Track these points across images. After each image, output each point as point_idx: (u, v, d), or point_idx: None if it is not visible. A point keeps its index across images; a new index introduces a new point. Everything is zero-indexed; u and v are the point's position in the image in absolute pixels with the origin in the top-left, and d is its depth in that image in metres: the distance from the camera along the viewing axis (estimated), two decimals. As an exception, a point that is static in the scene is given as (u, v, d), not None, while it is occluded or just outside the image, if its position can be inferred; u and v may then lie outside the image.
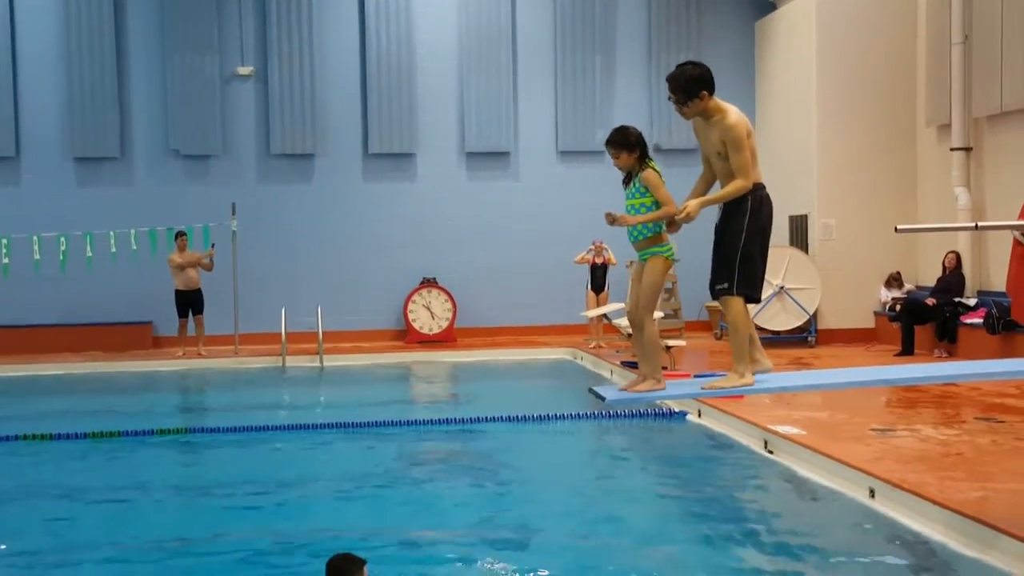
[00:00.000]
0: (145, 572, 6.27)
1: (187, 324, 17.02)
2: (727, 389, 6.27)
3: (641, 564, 6.15)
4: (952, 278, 14.76)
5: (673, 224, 6.28)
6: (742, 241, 6.02)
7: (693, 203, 6.06)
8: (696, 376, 8.96)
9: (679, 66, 6.06)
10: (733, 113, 5.99)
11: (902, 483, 7.07)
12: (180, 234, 16.92)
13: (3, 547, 6.77)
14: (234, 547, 6.66)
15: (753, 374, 6.13)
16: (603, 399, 6.22)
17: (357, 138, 18.98)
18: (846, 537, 6.75)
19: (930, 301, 14.52)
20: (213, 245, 16.91)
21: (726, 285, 6.09)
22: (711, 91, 5.97)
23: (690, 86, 5.94)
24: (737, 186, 5.98)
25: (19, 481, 8.88)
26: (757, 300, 6.31)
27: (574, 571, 5.99)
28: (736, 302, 6.07)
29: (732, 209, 6.08)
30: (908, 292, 16.03)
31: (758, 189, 6.06)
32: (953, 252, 14.88)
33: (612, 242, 16.67)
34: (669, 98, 6.11)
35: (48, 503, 8.09)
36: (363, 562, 4.96)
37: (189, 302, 16.95)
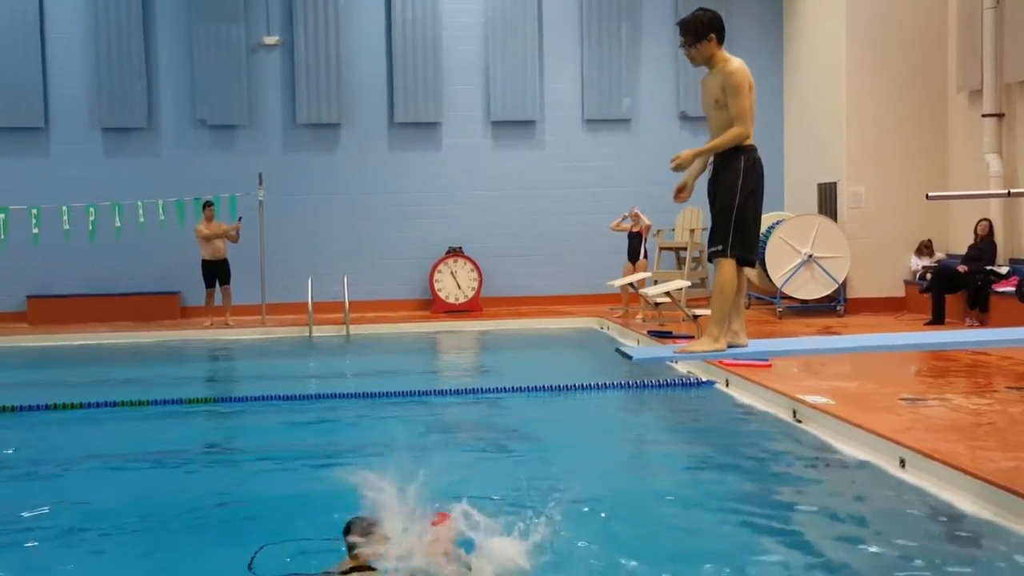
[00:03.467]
0: (177, 537, 6.32)
1: (214, 294, 17.10)
2: (699, 353, 6.32)
3: (669, 531, 6.15)
4: (984, 246, 14.60)
5: (684, 190, 6.32)
6: (736, 203, 6.03)
7: (687, 151, 6.14)
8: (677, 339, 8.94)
9: (692, 12, 6.16)
10: (736, 62, 6.06)
11: (933, 453, 7.02)
12: (207, 204, 16.95)
13: (37, 513, 6.85)
14: (263, 512, 6.71)
15: (728, 344, 6.16)
16: (630, 358, 6.23)
17: (383, 108, 18.93)
18: (876, 507, 6.72)
19: (961, 268, 14.38)
20: (240, 218, 16.94)
21: (720, 247, 6.11)
22: (720, 38, 6.06)
23: (700, 28, 6.05)
24: (734, 133, 5.99)
25: (50, 450, 8.97)
26: (752, 264, 6.33)
27: (602, 537, 5.99)
28: (728, 265, 6.09)
29: (723, 165, 6.10)
30: (939, 260, 15.88)
31: (751, 150, 6.06)
32: (985, 219, 14.71)
33: (649, 211, 16.59)
34: (680, 44, 6.18)
35: (78, 470, 8.17)
36: (373, 523, 5.03)
37: (216, 272, 17.01)
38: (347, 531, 5.08)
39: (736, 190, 6.02)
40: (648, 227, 16.70)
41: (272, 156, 18.61)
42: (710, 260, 6.30)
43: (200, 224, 16.96)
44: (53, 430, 9.85)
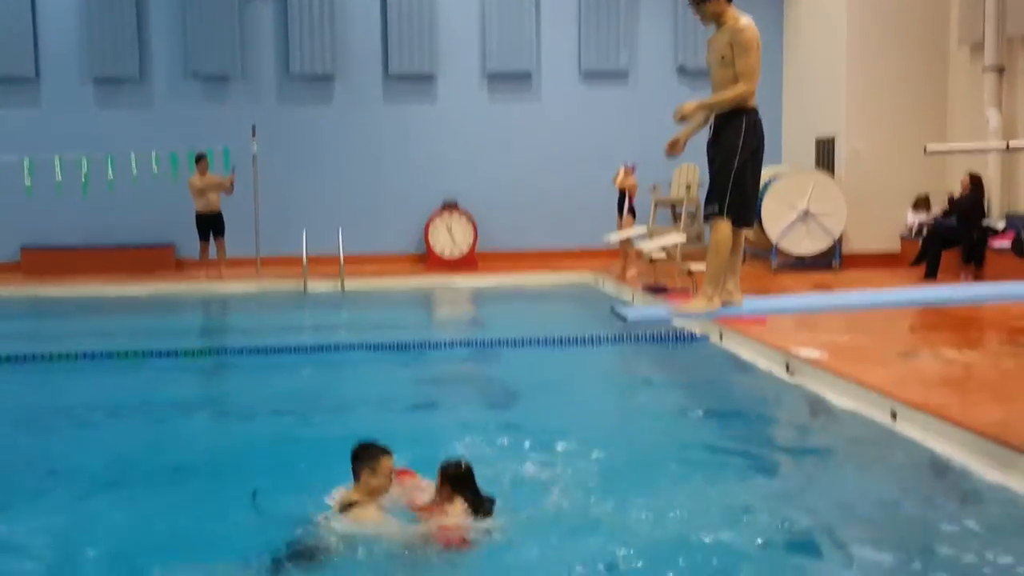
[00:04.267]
0: (168, 484, 6.32)
1: (208, 247, 17.04)
2: (693, 314, 6.33)
3: (661, 482, 6.15)
4: (966, 201, 14.42)
5: (677, 146, 6.31)
6: (735, 164, 6.02)
7: (689, 103, 6.12)
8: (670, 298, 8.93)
9: None
10: (746, 20, 6.05)
11: (924, 405, 7.02)
12: (200, 157, 16.83)
13: (29, 461, 6.85)
14: (259, 463, 6.71)
15: (723, 302, 6.16)
16: (624, 319, 6.21)
17: (377, 59, 18.76)
18: (867, 458, 6.73)
19: (941, 215, 14.41)
20: (234, 169, 16.83)
21: (716, 208, 6.11)
22: None
23: None
24: (740, 90, 5.98)
25: (44, 399, 8.97)
26: (750, 224, 6.32)
27: (594, 488, 5.99)
28: (723, 226, 6.08)
29: (724, 125, 6.09)
30: (935, 216, 15.82)
31: (753, 112, 6.06)
32: (968, 175, 14.58)
33: (646, 165, 16.40)
34: (689, 2, 6.19)
35: (71, 420, 8.16)
36: (386, 452, 5.03)
37: (210, 225, 16.94)
38: (356, 456, 5.06)
39: (736, 151, 6.00)
40: (633, 187, 16.41)
41: (265, 108, 18.46)
42: (706, 220, 6.29)
43: (193, 177, 16.85)
44: (47, 380, 9.84)
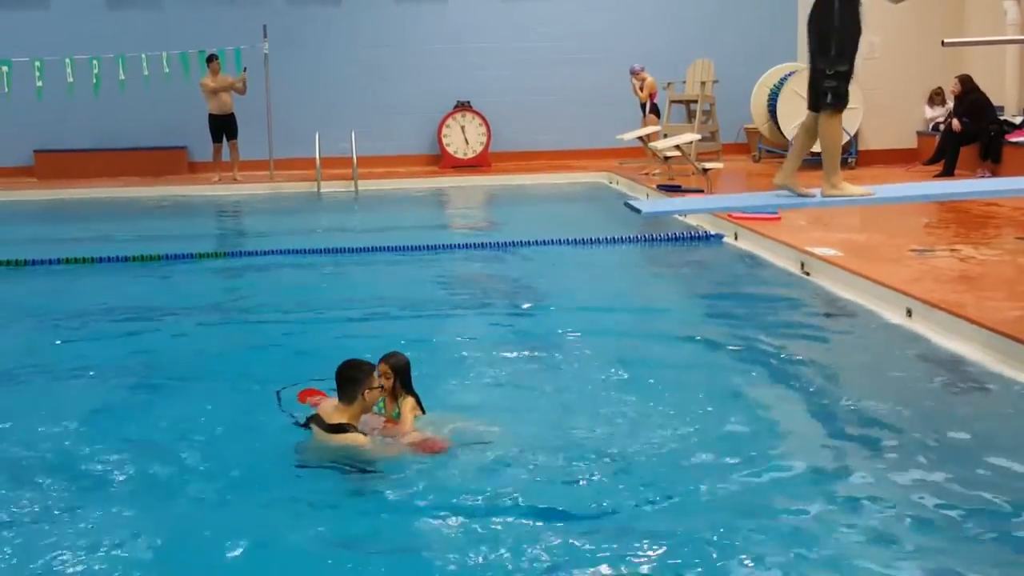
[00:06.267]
0: (185, 384, 6.41)
1: (222, 149, 17.00)
2: (845, 197, 6.14)
3: (674, 379, 6.22)
4: (968, 101, 14.23)
5: None
6: (857, 46, 5.87)
7: None
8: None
9: None
10: None
11: (940, 303, 7.04)
12: (212, 58, 16.69)
13: (44, 362, 6.96)
14: (269, 364, 6.79)
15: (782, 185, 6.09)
16: (639, 212, 6.21)
17: (388, -45, 18.45)
18: (881, 356, 6.77)
19: (956, 126, 14.19)
20: (245, 69, 16.70)
21: (840, 102, 5.76)
22: None
23: None
24: None
25: (59, 302, 9.05)
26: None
27: (609, 385, 6.08)
28: (839, 120, 5.94)
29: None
30: (949, 110, 15.63)
31: None
32: (956, 79, 14.37)
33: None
34: None
35: (87, 323, 8.26)
36: (372, 368, 5.04)
37: (223, 127, 16.88)
38: (350, 377, 5.00)
39: (860, 30, 5.83)
40: (651, 85, 16.21)
41: (276, 8, 18.23)
42: (819, 109, 6.06)
43: (206, 77, 16.73)
44: (63, 284, 9.94)
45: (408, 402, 5.17)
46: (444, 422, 5.22)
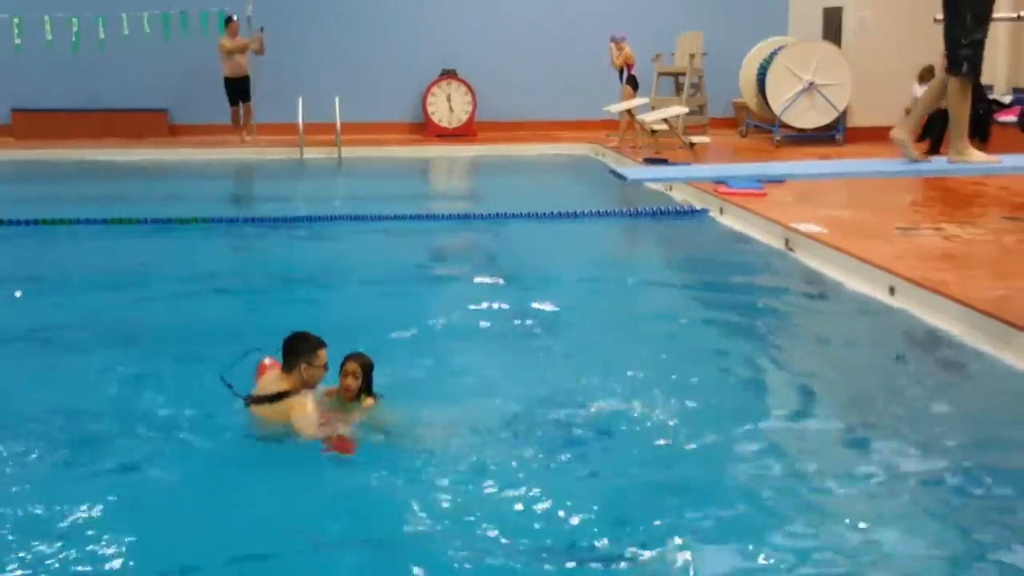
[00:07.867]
0: (167, 353, 6.30)
1: (239, 112, 16.88)
2: (973, 165, 6.03)
3: (653, 354, 6.15)
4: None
5: None
6: (990, 11, 5.80)
7: None
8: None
9: None
10: None
11: (923, 281, 6.99)
12: (230, 19, 16.46)
13: (24, 326, 6.85)
14: (248, 334, 6.68)
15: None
16: (624, 179, 6.14)
17: (375, -80, 18.20)
18: (863, 333, 6.74)
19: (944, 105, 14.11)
20: (262, 29, 16.51)
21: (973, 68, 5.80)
22: None
23: None
24: None
25: (37, 265, 8.94)
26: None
27: (591, 361, 6.01)
28: (968, 87, 5.88)
29: None
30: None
31: None
32: (920, 71, 14.33)
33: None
34: None
35: (72, 284, 8.16)
36: (320, 344, 4.95)
37: (239, 89, 16.73)
38: (293, 349, 4.93)
39: None
40: (629, 56, 16.06)
41: (261, -31, 17.96)
42: (954, 73, 5.95)
43: (224, 39, 16.49)
44: (43, 245, 9.80)
45: (367, 401, 5.05)
46: (398, 416, 5.08)
